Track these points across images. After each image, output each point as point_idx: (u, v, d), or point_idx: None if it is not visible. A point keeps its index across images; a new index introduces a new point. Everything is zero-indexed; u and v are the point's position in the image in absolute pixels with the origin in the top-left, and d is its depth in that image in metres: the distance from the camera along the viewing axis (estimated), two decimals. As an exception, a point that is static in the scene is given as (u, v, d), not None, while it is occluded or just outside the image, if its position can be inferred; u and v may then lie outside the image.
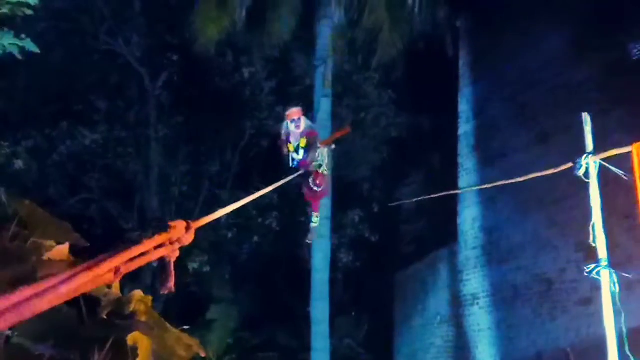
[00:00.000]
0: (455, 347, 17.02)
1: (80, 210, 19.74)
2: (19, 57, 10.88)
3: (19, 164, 17.36)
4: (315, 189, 8.79)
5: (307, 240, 10.35)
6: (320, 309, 17.04)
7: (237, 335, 19.42)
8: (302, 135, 8.57)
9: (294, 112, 8.71)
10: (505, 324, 15.44)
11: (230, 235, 21.25)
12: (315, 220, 9.49)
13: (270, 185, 7.70)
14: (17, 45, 10.65)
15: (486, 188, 15.16)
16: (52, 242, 5.58)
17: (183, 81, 20.82)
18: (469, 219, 16.92)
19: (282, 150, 8.76)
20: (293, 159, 8.61)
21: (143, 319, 5.56)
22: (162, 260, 3.28)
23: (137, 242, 3.05)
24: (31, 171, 18.58)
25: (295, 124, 8.54)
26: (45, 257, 5.33)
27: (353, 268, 22.16)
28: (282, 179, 8.25)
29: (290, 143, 8.59)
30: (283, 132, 8.72)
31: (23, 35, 10.70)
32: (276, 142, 9.15)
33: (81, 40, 20.17)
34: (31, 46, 10.76)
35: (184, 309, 18.29)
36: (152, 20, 20.57)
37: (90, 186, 20.41)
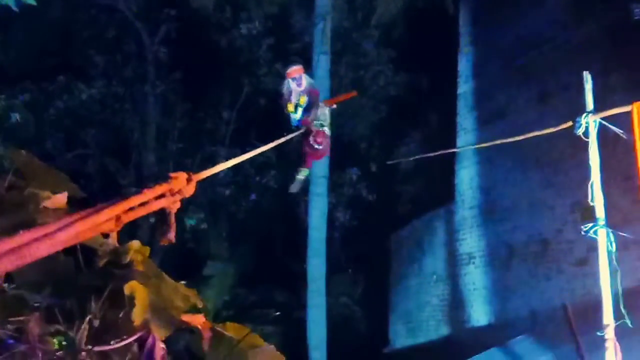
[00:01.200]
0: (451, 306, 17.12)
1: (77, 166, 19.70)
2: (15, 9, 10.76)
3: (15, 117, 17.27)
4: (316, 146, 8.75)
5: (290, 190, 10.23)
6: (316, 267, 17.12)
7: (234, 292, 19.51)
8: (303, 93, 8.51)
9: (295, 70, 8.64)
10: (500, 283, 15.53)
11: (228, 192, 21.27)
12: (304, 173, 9.42)
13: (269, 141, 7.65)
14: (13, -4, 10.52)
15: (484, 148, 15.14)
16: (48, 192, 5.56)
17: (181, 37, 20.67)
18: (467, 178, 16.92)
19: (285, 110, 8.71)
20: (293, 119, 8.56)
21: (140, 268, 5.56)
22: (162, 211, 3.27)
23: (137, 192, 3.04)
24: (28, 125, 18.50)
25: (296, 82, 8.48)
26: (41, 206, 5.32)
27: (350, 226, 22.21)
28: (282, 136, 8.21)
29: (290, 102, 8.52)
30: (285, 90, 8.65)
31: (19, -13, 10.57)
32: (276, 100, 9.09)
33: (79, -7, 20.01)
34: (27, -2, 10.62)
35: (181, 265, 18.34)
36: (150, -25, 20.39)
37: (87, 141, 20.37)
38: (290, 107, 8.53)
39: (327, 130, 8.88)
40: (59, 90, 19.65)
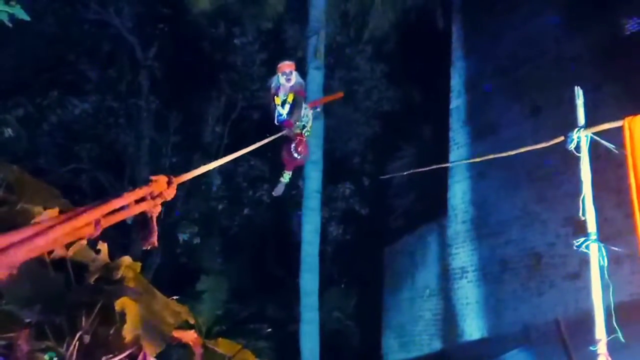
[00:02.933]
0: (444, 320, 17.10)
1: (71, 180, 19.65)
2: (9, 24, 10.76)
3: (8, 132, 17.26)
4: (296, 155, 8.69)
5: (273, 193, 10.16)
6: (309, 281, 17.07)
7: (226, 306, 19.42)
8: (291, 89, 8.48)
9: (287, 64, 8.60)
10: (493, 297, 15.51)
11: (220, 207, 21.24)
12: (286, 177, 9.35)
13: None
14: (7, 12, 10.53)
15: (476, 162, 15.18)
16: (40, 208, 5.55)
17: (175, 52, 20.68)
18: (459, 193, 16.93)
19: (272, 104, 8.66)
20: (279, 114, 8.51)
21: (131, 284, 5.54)
22: (143, 215, 3.24)
23: (117, 195, 3.01)
24: (21, 140, 18.48)
25: (286, 77, 8.42)
26: (32, 222, 5.30)
27: (343, 241, 22.19)
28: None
29: (277, 96, 8.49)
30: (273, 84, 8.60)
31: (12, 3, 10.57)
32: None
33: (72, 9, 19.98)
34: (21, 13, 10.63)
35: (174, 279, 18.29)
36: (143, -10, 20.42)
37: (81, 156, 20.31)
38: (277, 101, 8.49)
39: (308, 132, 8.82)
40: (53, 105, 19.62)
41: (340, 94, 12.74)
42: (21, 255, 2.41)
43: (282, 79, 8.43)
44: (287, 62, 8.67)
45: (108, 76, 20.61)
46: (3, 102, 18.44)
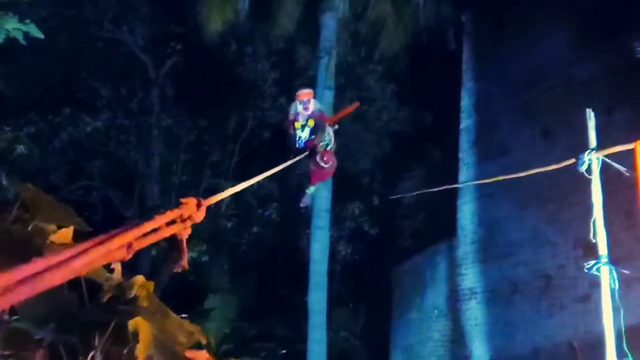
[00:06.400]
0: (452, 341, 17.03)
1: (81, 197, 19.74)
2: (23, 42, 10.90)
3: (20, 149, 17.35)
4: (322, 164, 8.75)
5: (301, 204, 10.25)
6: (317, 301, 17.06)
7: (234, 325, 19.42)
8: (310, 116, 8.57)
9: (305, 93, 8.71)
10: (502, 319, 15.46)
11: (229, 225, 21.27)
12: (311, 189, 9.46)
13: (277, 168, 7.65)
14: (21, 30, 10.68)
15: (486, 183, 15.17)
16: (54, 226, 5.57)
17: (186, 70, 20.79)
18: (469, 213, 16.92)
19: (289, 130, 8.75)
20: (299, 138, 8.60)
21: (144, 304, 5.55)
22: (173, 238, 3.26)
23: (149, 218, 3.03)
24: (33, 157, 18.56)
25: (304, 106, 8.54)
26: (48, 241, 5.33)
27: (351, 260, 22.19)
28: (289, 159, 8.25)
29: (297, 121, 8.59)
30: (291, 112, 8.72)
31: (27, 21, 10.71)
32: (282, 126, 9.15)
33: (85, 27, 20.14)
34: (35, 31, 10.78)
35: (182, 298, 18.27)
36: (156, 9, 20.53)
37: (92, 173, 20.42)
38: (298, 125, 8.59)
39: (333, 148, 8.93)
40: (64, 122, 19.71)
41: (356, 105, 12.78)
42: (56, 279, 2.44)
43: (300, 107, 8.56)
44: (305, 91, 8.80)
45: (120, 94, 20.71)
46: (15, 119, 18.54)
